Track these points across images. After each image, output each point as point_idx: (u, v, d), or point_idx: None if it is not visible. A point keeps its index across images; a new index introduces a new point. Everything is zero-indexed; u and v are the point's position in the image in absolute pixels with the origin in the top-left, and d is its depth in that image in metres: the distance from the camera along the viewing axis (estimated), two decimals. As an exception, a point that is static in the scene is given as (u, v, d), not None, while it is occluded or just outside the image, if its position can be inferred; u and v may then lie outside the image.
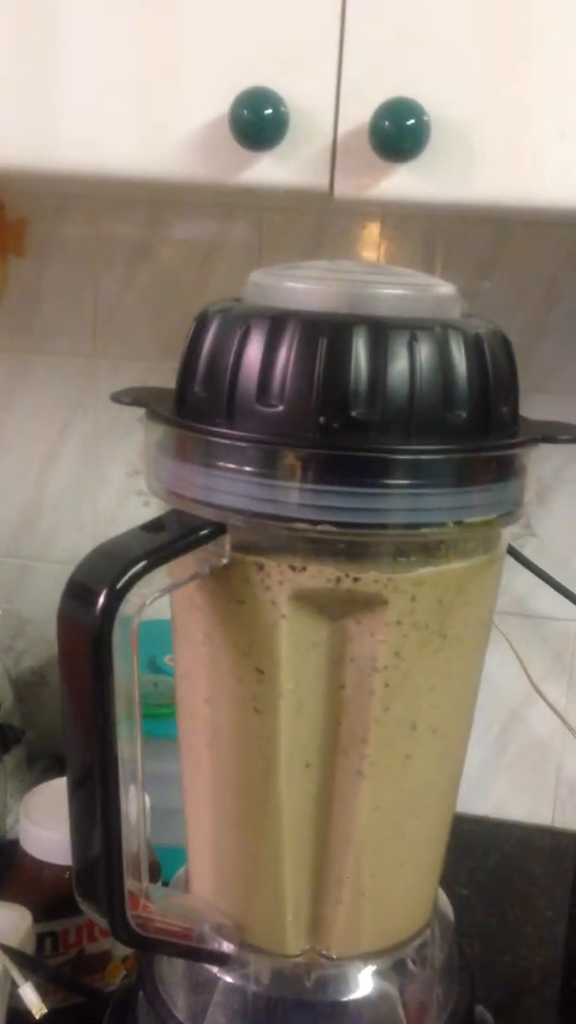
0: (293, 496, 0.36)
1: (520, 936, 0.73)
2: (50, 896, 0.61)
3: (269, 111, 0.53)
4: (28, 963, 0.55)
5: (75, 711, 0.36)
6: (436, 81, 0.53)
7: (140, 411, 0.91)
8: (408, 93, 0.52)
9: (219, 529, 0.37)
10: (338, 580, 0.37)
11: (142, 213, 0.84)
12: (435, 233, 0.81)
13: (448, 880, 0.74)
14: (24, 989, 0.54)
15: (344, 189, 0.55)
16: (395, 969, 0.43)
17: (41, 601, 0.94)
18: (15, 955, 0.55)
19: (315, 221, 0.82)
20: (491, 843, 0.86)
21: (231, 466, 0.37)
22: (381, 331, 0.36)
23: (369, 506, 0.36)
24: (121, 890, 0.38)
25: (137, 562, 0.35)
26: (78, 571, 0.36)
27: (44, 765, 0.86)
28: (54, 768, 0.84)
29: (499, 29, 0.52)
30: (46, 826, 0.62)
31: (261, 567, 0.38)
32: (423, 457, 0.36)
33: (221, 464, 0.37)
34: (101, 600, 0.34)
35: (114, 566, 0.35)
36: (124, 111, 0.56)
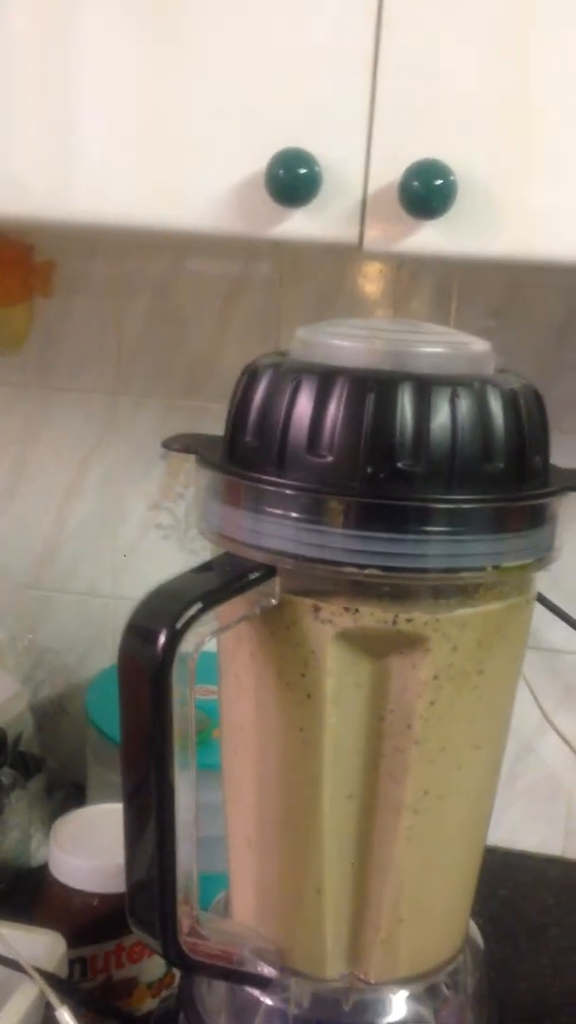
0: (341, 541, 0.38)
1: (535, 966, 0.74)
2: (79, 923, 0.62)
3: (303, 171, 0.56)
4: (64, 988, 0.56)
5: (134, 744, 0.38)
6: (462, 143, 0.56)
7: (160, 448, 0.94)
8: (435, 154, 0.55)
9: (270, 572, 0.40)
10: (384, 621, 0.39)
11: (166, 253, 0.87)
12: (450, 277, 0.84)
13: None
14: (60, 1013, 0.55)
15: (373, 243, 0.58)
16: (429, 993, 0.45)
17: (61, 632, 0.96)
18: (51, 979, 0.56)
19: (334, 263, 0.85)
20: (504, 873, 0.88)
21: (281, 512, 0.39)
22: (425, 387, 0.38)
23: (412, 551, 0.38)
24: (174, 915, 0.39)
25: (194, 604, 0.37)
26: (138, 612, 0.38)
27: (64, 793, 0.87)
28: (74, 796, 0.85)
29: (522, 95, 0.55)
30: (76, 854, 0.64)
31: (309, 607, 0.40)
32: (463, 506, 0.38)
33: (271, 510, 0.39)
34: (162, 639, 0.36)
35: (173, 607, 0.37)
36: (167, 169, 0.59)
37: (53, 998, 0.55)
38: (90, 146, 0.59)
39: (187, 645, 0.37)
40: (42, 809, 0.84)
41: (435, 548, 0.38)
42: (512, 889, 0.85)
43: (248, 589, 0.39)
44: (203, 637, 0.38)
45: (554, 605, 0.82)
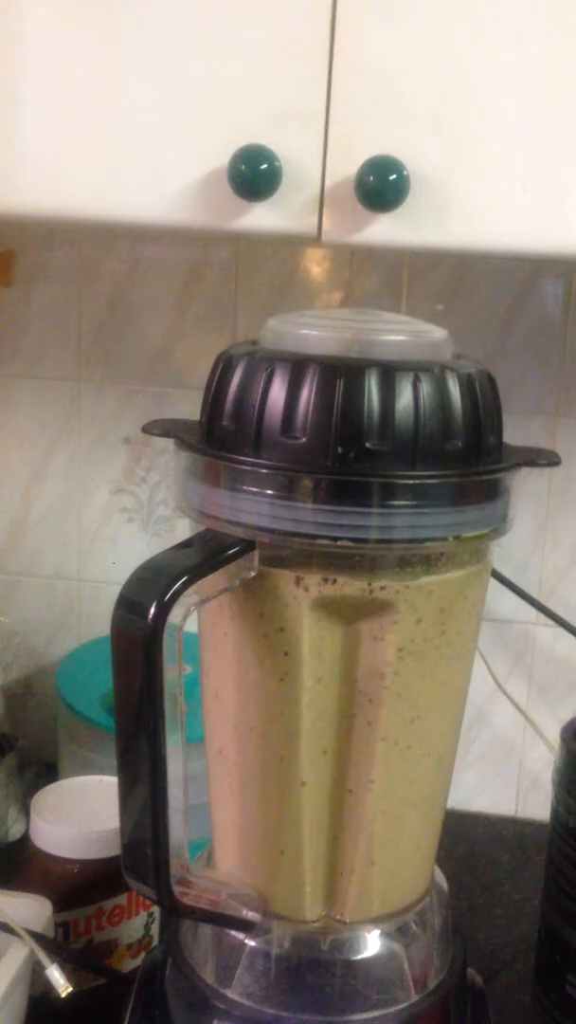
0: (314, 516, 0.41)
1: (490, 918, 0.79)
2: (61, 889, 0.65)
3: (264, 166, 0.58)
4: (52, 947, 0.59)
5: (128, 711, 0.41)
6: (414, 139, 0.59)
7: (122, 433, 0.96)
8: (389, 150, 0.58)
9: (249, 546, 0.43)
10: (356, 590, 0.43)
11: (124, 242, 0.89)
12: (400, 263, 0.88)
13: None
14: (51, 970, 0.58)
15: (331, 235, 0.61)
16: (400, 931, 0.48)
17: (27, 615, 0.98)
18: (40, 940, 0.59)
19: (289, 250, 0.88)
20: (460, 834, 0.92)
21: (258, 490, 0.42)
22: (390, 373, 0.41)
23: (379, 524, 0.42)
24: (167, 867, 0.43)
25: (180, 577, 0.40)
26: (128, 587, 0.41)
27: (35, 771, 0.90)
28: (45, 774, 0.88)
29: (470, 94, 0.58)
30: (55, 823, 0.66)
31: (286, 578, 0.43)
32: (426, 482, 0.42)
33: (249, 488, 0.42)
34: (152, 611, 0.39)
35: (160, 581, 0.40)
36: (135, 165, 0.61)
37: (43, 957, 0.58)
38: (40, 140, 0.61)
39: (174, 617, 0.40)
40: (15, 787, 0.86)
41: (400, 520, 0.42)
42: (469, 847, 0.90)
43: (229, 562, 0.42)
44: (188, 608, 0.41)
45: (504, 577, 0.87)
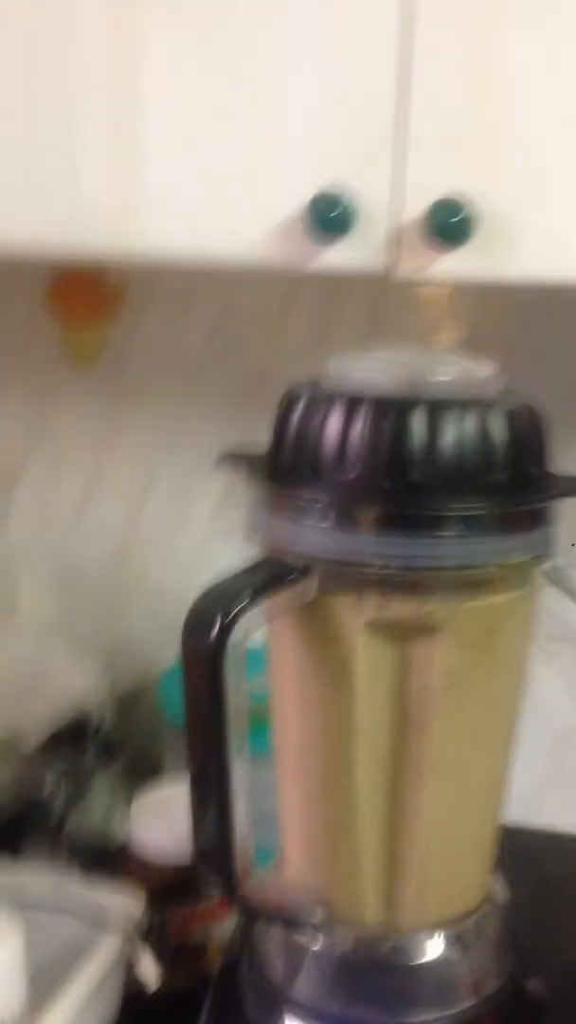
0: (364, 545, 0.45)
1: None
2: (155, 888, 0.70)
3: (338, 211, 0.61)
4: (144, 939, 0.64)
5: (195, 723, 0.45)
6: (482, 178, 0.61)
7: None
8: (458, 188, 0.61)
9: (306, 571, 0.46)
10: (406, 613, 0.46)
11: (225, 278, 0.94)
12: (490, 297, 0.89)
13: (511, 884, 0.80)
14: (142, 963, 0.62)
15: (403, 272, 0.64)
16: (458, 938, 0.51)
17: (135, 627, 1.04)
18: (131, 934, 0.64)
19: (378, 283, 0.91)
20: (547, 855, 0.92)
21: (314, 521, 0.46)
22: (434, 411, 0.45)
23: (425, 552, 0.44)
24: (235, 867, 0.46)
25: (242, 600, 0.44)
26: (194, 608, 0.45)
27: (141, 777, 0.95)
28: (150, 779, 0.93)
29: (536, 129, 0.60)
30: (152, 828, 0.71)
31: (341, 601, 0.46)
32: (467, 513, 0.45)
33: (306, 519, 0.46)
34: (215, 630, 0.43)
35: (223, 603, 0.44)
36: (216, 208, 0.65)
37: (135, 947, 0.63)
38: (153, 185, 0.65)
39: (237, 635, 0.44)
40: (123, 791, 0.91)
41: (445, 549, 0.45)
42: (557, 870, 0.89)
43: (288, 587, 0.46)
44: (251, 628, 0.45)
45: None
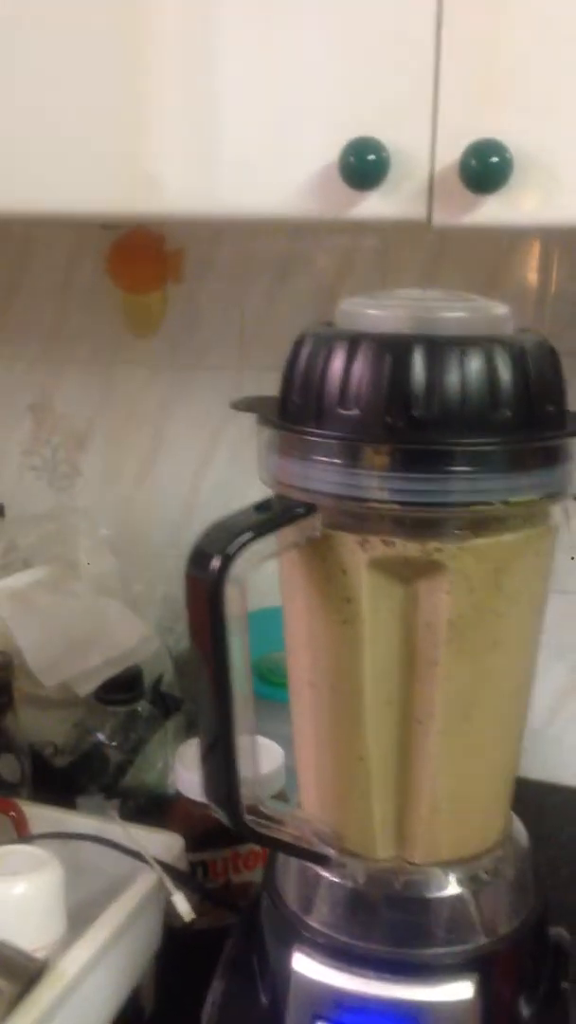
0: (366, 481, 0.45)
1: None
2: (199, 831, 0.72)
3: (372, 157, 0.62)
4: (179, 877, 0.66)
5: (199, 654, 0.47)
6: (517, 121, 0.60)
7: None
8: (493, 134, 0.60)
9: (311, 509, 0.47)
10: (409, 551, 0.46)
11: (283, 235, 0.95)
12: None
13: (567, 846, 0.81)
14: (176, 897, 0.65)
15: (440, 219, 0.64)
16: (470, 877, 0.51)
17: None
18: (168, 869, 0.66)
19: (436, 235, 0.90)
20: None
21: (319, 459, 0.46)
22: (435, 348, 0.44)
23: (429, 488, 0.45)
24: (237, 793, 0.48)
25: (245, 533, 0.45)
26: (199, 541, 0.46)
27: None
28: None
29: (570, 73, 0.59)
30: (194, 776, 0.73)
31: (346, 539, 0.47)
32: (471, 449, 0.45)
33: (312, 457, 0.47)
34: (216, 563, 0.44)
35: (226, 537, 0.45)
36: (261, 162, 0.66)
37: (169, 884, 0.65)
38: (225, 144, 0.66)
39: (239, 570, 0.45)
40: (181, 744, 0.94)
41: (447, 485, 0.45)
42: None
43: (291, 523, 0.47)
44: (256, 562, 0.46)
45: None
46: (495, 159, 0.60)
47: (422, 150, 0.63)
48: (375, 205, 0.64)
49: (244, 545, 0.45)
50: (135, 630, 0.87)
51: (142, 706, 0.87)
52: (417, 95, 0.62)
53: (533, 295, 0.91)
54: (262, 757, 0.62)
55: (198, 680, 0.47)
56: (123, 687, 0.86)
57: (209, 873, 0.74)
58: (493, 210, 0.62)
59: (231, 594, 0.45)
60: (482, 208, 0.63)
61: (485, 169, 0.60)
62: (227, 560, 0.44)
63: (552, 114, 0.60)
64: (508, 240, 0.90)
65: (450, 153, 0.62)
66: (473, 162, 0.60)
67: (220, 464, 1.03)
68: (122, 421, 1.06)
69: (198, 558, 0.45)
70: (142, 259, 0.99)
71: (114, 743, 0.86)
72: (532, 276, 0.90)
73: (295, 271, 0.96)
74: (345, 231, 0.93)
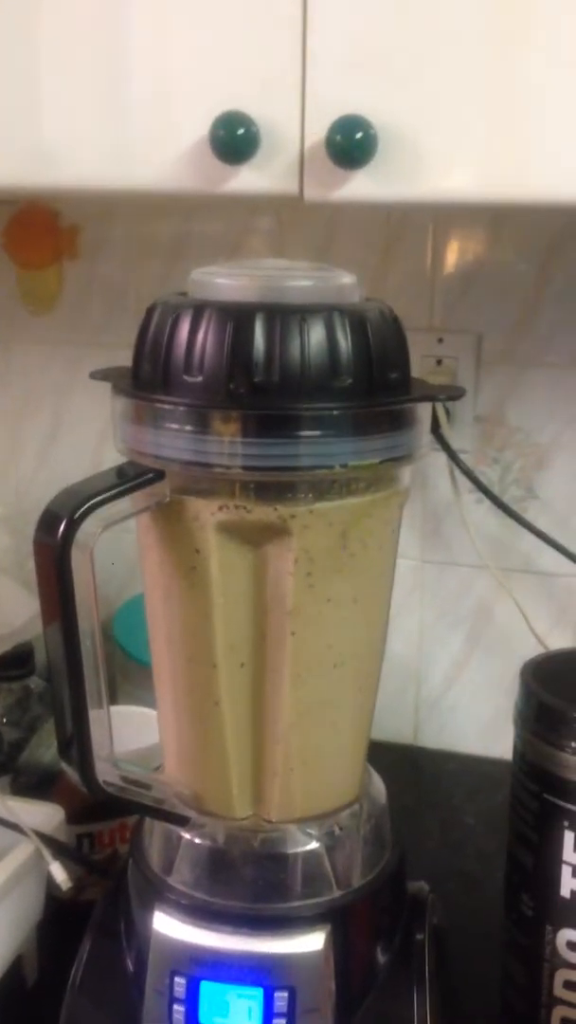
0: (207, 446, 0.46)
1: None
2: (86, 803, 0.72)
3: (241, 131, 0.62)
4: (55, 846, 0.66)
5: (47, 617, 0.47)
6: (383, 98, 0.61)
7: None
8: (359, 110, 0.61)
9: (159, 475, 0.48)
10: (251, 515, 0.47)
11: (176, 215, 0.95)
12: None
13: (458, 811, 0.82)
14: (53, 867, 0.65)
15: (312, 194, 0.64)
16: (324, 833, 0.53)
17: (99, 567, 1.06)
18: (47, 840, 0.66)
19: (331, 212, 0.91)
20: (503, 781, 0.93)
21: (168, 426, 0.47)
22: (276, 316, 0.45)
23: (270, 452, 0.46)
24: (90, 754, 0.48)
25: (92, 498, 0.46)
26: (50, 504, 0.46)
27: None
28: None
29: (433, 51, 0.60)
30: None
31: (193, 505, 0.48)
32: (314, 414, 0.46)
33: (161, 424, 0.47)
34: (62, 528, 0.45)
35: (73, 502, 0.46)
36: (140, 137, 0.66)
37: (47, 854, 0.66)
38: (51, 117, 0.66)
39: (85, 534, 0.46)
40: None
41: (290, 450, 0.46)
42: (507, 796, 0.91)
43: (137, 489, 0.47)
44: (102, 526, 0.47)
45: (540, 531, 0.88)
46: (359, 135, 0.61)
47: (292, 125, 0.64)
48: (248, 179, 0.65)
49: (91, 509, 0.45)
50: (26, 608, 0.87)
51: (34, 682, 0.87)
52: (286, 70, 0.63)
53: (426, 272, 0.92)
54: (146, 729, 0.64)
55: (48, 645, 0.48)
56: (14, 663, 0.86)
57: (96, 844, 0.74)
58: (363, 186, 0.63)
59: (79, 559, 0.46)
60: (351, 184, 0.63)
61: (350, 144, 0.61)
62: (72, 525, 0.45)
63: (416, 92, 0.61)
64: (398, 217, 0.91)
65: (319, 128, 0.63)
66: (339, 137, 0.61)
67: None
68: (20, 399, 1.06)
69: (46, 522, 0.46)
70: (37, 234, 0.99)
71: (7, 720, 0.86)
72: (422, 253, 0.92)
73: (188, 251, 0.96)
74: (239, 211, 0.94)
